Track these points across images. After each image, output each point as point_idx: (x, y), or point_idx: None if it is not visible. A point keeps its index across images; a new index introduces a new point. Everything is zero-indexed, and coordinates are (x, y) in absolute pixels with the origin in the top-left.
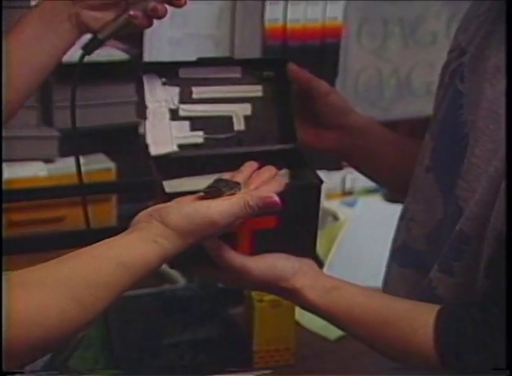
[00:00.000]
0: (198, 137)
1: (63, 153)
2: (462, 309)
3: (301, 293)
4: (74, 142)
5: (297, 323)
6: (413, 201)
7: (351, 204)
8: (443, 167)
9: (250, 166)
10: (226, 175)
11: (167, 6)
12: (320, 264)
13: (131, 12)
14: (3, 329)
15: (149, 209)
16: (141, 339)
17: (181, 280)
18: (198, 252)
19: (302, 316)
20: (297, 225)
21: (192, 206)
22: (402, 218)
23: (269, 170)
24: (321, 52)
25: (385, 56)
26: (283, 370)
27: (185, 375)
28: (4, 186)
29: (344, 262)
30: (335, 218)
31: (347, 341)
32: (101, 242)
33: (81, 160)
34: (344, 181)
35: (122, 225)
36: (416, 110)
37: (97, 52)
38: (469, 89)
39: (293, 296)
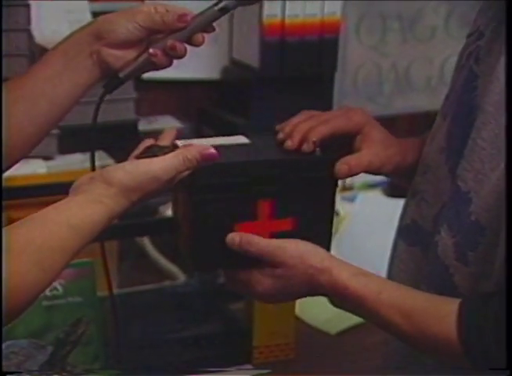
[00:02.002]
0: None
1: (63, 151)
2: (483, 301)
3: (332, 272)
4: (91, 139)
5: (298, 318)
6: (425, 181)
7: (351, 199)
8: (454, 148)
9: (171, 132)
10: (150, 140)
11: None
12: None
13: (151, 51)
14: None
15: (89, 174)
16: (141, 335)
17: (181, 277)
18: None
19: (302, 311)
20: (313, 226)
21: (133, 163)
22: (412, 196)
23: (198, 143)
24: (319, 47)
25: (384, 51)
26: (281, 369)
27: (186, 371)
28: (3, 184)
29: (344, 257)
30: (335, 213)
31: (347, 335)
32: (49, 207)
33: (81, 157)
34: None
35: (121, 221)
36: (415, 104)
37: None
38: (483, 71)
39: (323, 274)
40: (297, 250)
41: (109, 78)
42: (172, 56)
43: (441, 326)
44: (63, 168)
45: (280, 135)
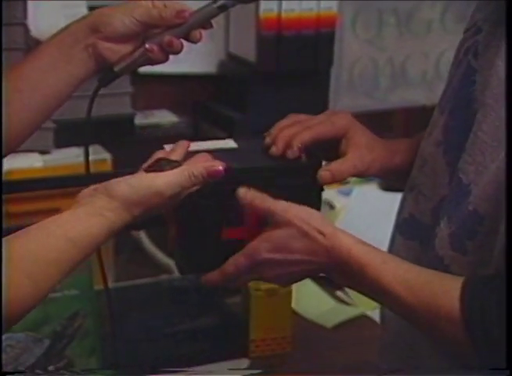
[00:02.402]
0: None
1: (59, 144)
2: (486, 280)
3: (336, 236)
4: (85, 133)
5: (294, 312)
6: (422, 175)
7: (347, 193)
8: (452, 141)
9: (183, 144)
10: (162, 152)
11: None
12: None
13: (147, 46)
14: None
15: (92, 186)
16: (138, 329)
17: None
18: (210, 256)
19: (299, 305)
20: None
21: (138, 177)
22: (410, 190)
23: (205, 156)
24: (316, 42)
25: (380, 45)
26: (277, 363)
27: (183, 364)
28: None
29: None
30: (331, 206)
31: (343, 329)
32: (49, 219)
33: (77, 151)
34: None
35: None
36: (411, 98)
37: None
38: (482, 66)
39: (327, 238)
40: (303, 211)
41: (104, 72)
42: (169, 51)
43: (444, 300)
44: (60, 162)
45: (267, 140)
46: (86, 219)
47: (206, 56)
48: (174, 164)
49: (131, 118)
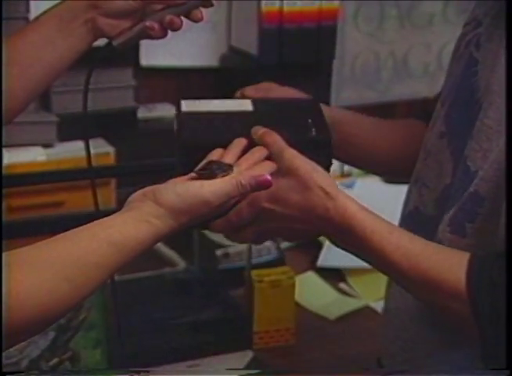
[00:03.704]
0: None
1: (62, 138)
2: (493, 257)
3: (340, 199)
4: (83, 127)
5: (297, 304)
6: (426, 167)
7: (350, 186)
8: (456, 131)
9: (239, 143)
10: (217, 153)
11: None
12: (319, 245)
13: (148, 24)
14: (3, 311)
15: (142, 189)
16: (142, 321)
17: (181, 263)
18: None
19: (302, 297)
20: None
21: (184, 185)
22: (414, 183)
23: (260, 150)
24: (318, 35)
25: (382, 38)
26: (281, 354)
27: (187, 357)
28: (3, 172)
29: None
30: None
31: (347, 320)
32: (94, 222)
33: (80, 144)
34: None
35: (120, 209)
36: (413, 91)
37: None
38: (484, 56)
39: (331, 199)
40: (310, 164)
41: (103, 45)
42: (169, 29)
43: (449, 274)
44: (63, 156)
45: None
46: (132, 225)
47: (208, 50)
48: (225, 168)
49: (133, 111)
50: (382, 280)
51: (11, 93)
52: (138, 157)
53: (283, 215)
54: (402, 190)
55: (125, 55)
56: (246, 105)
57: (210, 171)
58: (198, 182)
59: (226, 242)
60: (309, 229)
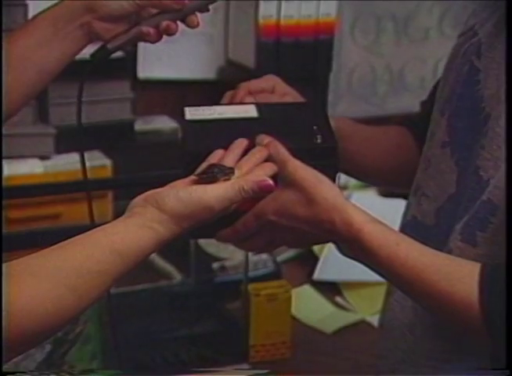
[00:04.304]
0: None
1: (59, 150)
2: (506, 268)
3: (347, 210)
4: (78, 139)
5: (293, 317)
6: (426, 177)
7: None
8: (460, 141)
9: (240, 144)
10: (217, 155)
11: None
12: (315, 258)
13: (144, 29)
14: (3, 321)
15: (144, 194)
16: (138, 335)
17: (177, 276)
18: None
19: (298, 310)
20: None
21: (187, 191)
22: (413, 193)
23: (260, 151)
24: (314, 48)
25: (378, 51)
26: (277, 368)
27: (183, 370)
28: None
29: (339, 257)
30: None
31: (343, 334)
32: (95, 229)
33: (77, 157)
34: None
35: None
36: (409, 104)
37: (90, 48)
38: (487, 65)
39: (337, 211)
40: (314, 175)
41: (97, 48)
42: (165, 34)
43: (460, 285)
44: (60, 168)
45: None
46: (135, 231)
47: (206, 62)
48: (226, 172)
49: (131, 124)
50: (378, 293)
51: (6, 96)
52: (135, 169)
53: (289, 228)
54: (399, 204)
55: (123, 67)
56: (250, 111)
57: (212, 175)
58: (201, 188)
59: (223, 255)
60: (318, 238)
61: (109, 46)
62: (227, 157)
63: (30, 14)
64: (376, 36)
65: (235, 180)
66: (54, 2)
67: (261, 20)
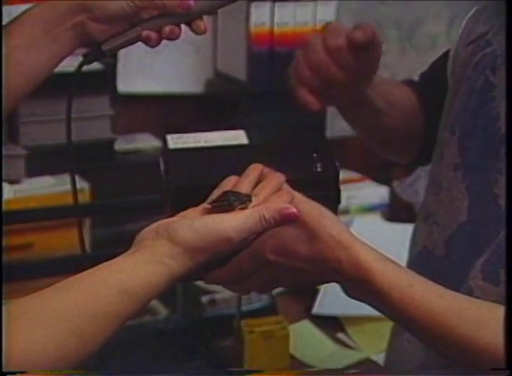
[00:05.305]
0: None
1: (31, 173)
2: None
3: (354, 248)
4: (69, 159)
5: (291, 356)
6: (437, 203)
7: (348, 225)
8: (472, 164)
9: (255, 169)
10: (231, 182)
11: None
12: (314, 290)
13: (144, 34)
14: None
15: (154, 225)
16: (121, 373)
17: (162, 311)
18: None
19: (297, 349)
20: None
21: (203, 221)
22: (424, 220)
23: (277, 177)
24: None
25: (382, 61)
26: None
27: None
28: None
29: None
30: None
31: (346, 374)
32: (100, 265)
33: (51, 180)
34: None
35: (96, 252)
36: None
37: (67, 60)
38: (501, 81)
39: (343, 249)
40: (316, 209)
41: (91, 49)
42: (166, 39)
43: (485, 332)
44: (32, 193)
45: None
46: (144, 267)
47: (192, 74)
48: (244, 200)
49: (110, 143)
50: (385, 329)
51: None
52: (116, 193)
53: (289, 267)
54: (404, 229)
55: (101, 80)
56: (240, 137)
57: (228, 203)
58: (218, 217)
59: (212, 288)
60: (321, 278)
61: (104, 48)
62: (241, 183)
63: None
64: None
65: (254, 208)
66: None
67: (252, 28)
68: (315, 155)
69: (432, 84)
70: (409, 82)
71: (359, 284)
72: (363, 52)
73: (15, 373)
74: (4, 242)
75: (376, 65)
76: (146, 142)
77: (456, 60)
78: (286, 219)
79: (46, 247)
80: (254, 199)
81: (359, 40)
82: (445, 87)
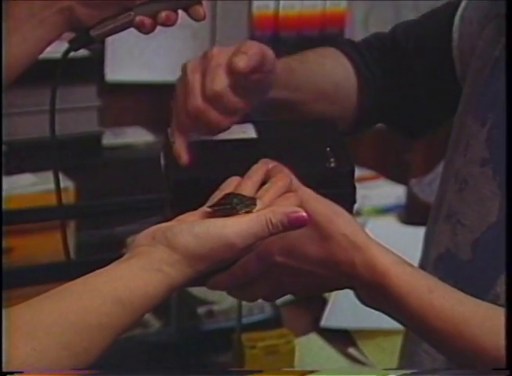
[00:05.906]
0: None
1: (9, 171)
2: None
3: (370, 251)
4: (53, 154)
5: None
6: (461, 201)
7: None
8: (503, 158)
9: (259, 170)
10: (233, 183)
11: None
12: (323, 301)
13: (137, 19)
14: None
15: (150, 229)
16: None
17: (155, 323)
18: None
19: (303, 365)
20: None
21: (203, 225)
22: (446, 219)
23: (282, 179)
24: (320, 44)
25: None
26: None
27: None
28: None
29: (351, 300)
30: None
31: None
32: (93, 273)
33: (33, 178)
34: None
35: (81, 258)
36: None
37: (51, 46)
38: None
39: (358, 251)
40: (329, 207)
41: (78, 35)
42: (161, 25)
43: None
44: (10, 192)
45: None
46: (141, 275)
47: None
48: (248, 203)
49: (98, 137)
50: (399, 343)
51: None
52: (103, 193)
53: (299, 271)
54: (418, 231)
55: (87, 68)
56: (247, 130)
57: (231, 207)
58: (220, 221)
59: (210, 298)
60: (331, 283)
61: (92, 33)
62: (245, 185)
63: None
64: None
65: (260, 212)
66: None
67: (255, 10)
68: (328, 149)
69: (381, 47)
70: (343, 44)
71: (374, 290)
72: (251, 74)
73: (14, 373)
74: None
75: (272, 78)
76: (137, 136)
77: (469, 39)
78: (295, 224)
79: (27, 253)
80: (258, 202)
81: (241, 69)
82: (404, 52)
